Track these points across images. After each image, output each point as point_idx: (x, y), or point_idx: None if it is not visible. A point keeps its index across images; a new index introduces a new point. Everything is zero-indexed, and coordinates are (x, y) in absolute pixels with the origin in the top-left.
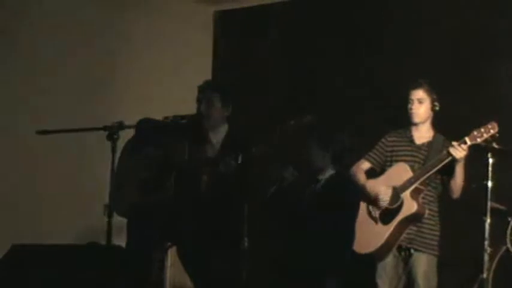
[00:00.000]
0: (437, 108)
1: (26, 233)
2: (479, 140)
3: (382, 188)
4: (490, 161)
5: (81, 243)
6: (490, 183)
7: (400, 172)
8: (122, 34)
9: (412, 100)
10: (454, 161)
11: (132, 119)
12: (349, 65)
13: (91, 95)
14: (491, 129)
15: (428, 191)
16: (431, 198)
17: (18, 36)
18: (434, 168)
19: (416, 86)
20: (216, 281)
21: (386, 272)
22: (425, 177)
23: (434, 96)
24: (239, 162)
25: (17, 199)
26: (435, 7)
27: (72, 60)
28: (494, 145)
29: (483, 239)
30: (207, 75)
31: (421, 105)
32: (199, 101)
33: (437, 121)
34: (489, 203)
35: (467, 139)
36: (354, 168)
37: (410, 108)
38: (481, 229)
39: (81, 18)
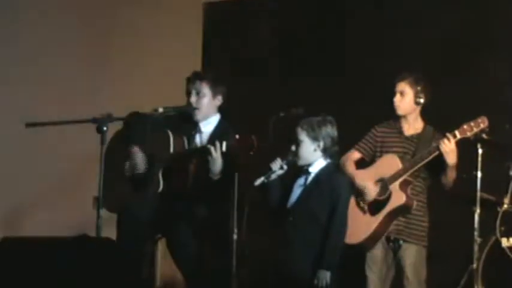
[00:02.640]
0: (421, 100)
1: (16, 226)
2: (469, 133)
3: (369, 183)
4: (480, 151)
5: (71, 235)
6: (479, 174)
7: (390, 163)
8: (111, 26)
9: (395, 92)
10: (443, 154)
11: (121, 112)
12: (341, 57)
13: (80, 87)
14: (481, 123)
15: (418, 182)
16: (420, 190)
17: (4, 26)
18: (423, 161)
19: (400, 79)
20: (206, 273)
21: (375, 262)
22: (414, 169)
23: (419, 89)
24: (223, 151)
25: (6, 192)
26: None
27: (61, 51)
28: (484, 136)
29: (473, 229)
30: (197, 67)
31: (403, 98)
32: (188, 92)
33: (428, 113)
34: (479, 194)
35: (457, 133)
36: (344, 158)
37: (394, 101)
38: (471, 219)
39: (70, 10)
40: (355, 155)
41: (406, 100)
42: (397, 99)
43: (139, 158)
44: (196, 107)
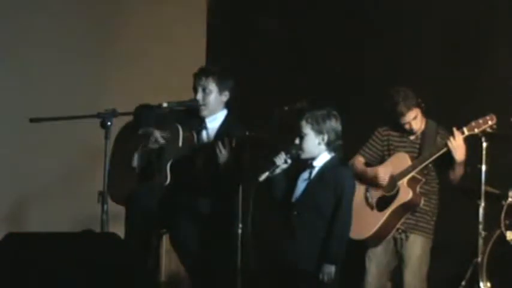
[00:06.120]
0: (423, 107)
1: (21, 221)
2: (476, 130)
3: (381, 170)
4: (484, 145)
5: (75, 230)
6: (484, 167)
7: (400, 161)
8: (115, 21)
9: (408, 122)
10: (451, 150)
11: (125, 106)
12: (347, 51)
13: (85, 82)
14: (490, 120)
15: (429, 181)
16: (430, 188)
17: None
18: (431, 157)
19: (408, 108)
20: (209, 267)
21: (376, 255)
22: (422, 166)
23: (421, 102)
24: (233, 145)
25: (11, 187)
26: None
27: (65, 46)
28: (488, 129)
29: (477, 223)
30: (201, 60)
31: (416, 120)
32: (195, 88)
33: (433, 107)
34: (483, 187)
35: (465, 129)
36: (353, 161)
37: (407, 126)
38: (476, 213)
39: (74, 5)
40: (361, 159)
41: (419, 118)
42: (411, 124)
43: (157, 132)
44: (203, 103)
